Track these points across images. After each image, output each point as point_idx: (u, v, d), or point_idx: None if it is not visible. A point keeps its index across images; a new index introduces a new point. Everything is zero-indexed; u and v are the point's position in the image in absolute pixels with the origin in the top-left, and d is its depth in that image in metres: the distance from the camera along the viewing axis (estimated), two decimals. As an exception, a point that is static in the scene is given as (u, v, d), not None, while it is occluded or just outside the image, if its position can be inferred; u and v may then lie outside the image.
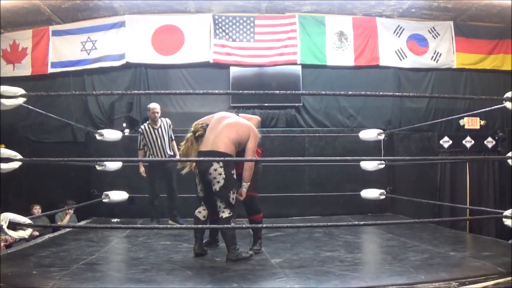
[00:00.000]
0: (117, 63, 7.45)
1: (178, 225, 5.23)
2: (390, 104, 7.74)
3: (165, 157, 5.49)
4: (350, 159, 6.21)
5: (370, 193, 5.91)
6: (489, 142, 7.75)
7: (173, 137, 5.64)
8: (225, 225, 3.53)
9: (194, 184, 3.84)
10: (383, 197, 5.83)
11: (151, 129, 5.49)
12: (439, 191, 7.49)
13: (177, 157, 5.45)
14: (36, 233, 5.51)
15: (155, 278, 2.90)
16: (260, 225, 3.87)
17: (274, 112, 7.51)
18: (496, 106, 3.81)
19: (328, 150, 6.85)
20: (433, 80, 7.93)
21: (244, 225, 3.91)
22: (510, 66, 7.81)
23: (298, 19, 7.68)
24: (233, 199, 3.65)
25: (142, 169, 5.61)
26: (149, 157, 5.50)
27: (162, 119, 5.59)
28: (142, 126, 5.57)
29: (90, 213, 6.39)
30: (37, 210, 6.19)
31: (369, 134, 5.87)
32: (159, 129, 5.50)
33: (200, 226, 3.75)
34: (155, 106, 5.54)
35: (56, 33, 7.49)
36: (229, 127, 3.71)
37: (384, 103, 7.71)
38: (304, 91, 7.79)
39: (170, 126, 5.62)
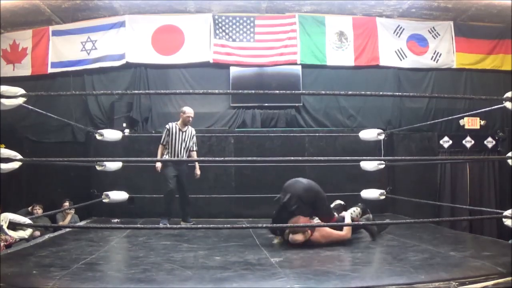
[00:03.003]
0: (117, 63, 7.47)
1: (179, 225, 5.24)
2: (390, 104, 7.75)
3: (182, 164, 5.55)
4: (350, 159, 6.21)
5: (370, 193, 5.91)
6: (489, 142, 7.75)
7: (195, 148, 5.69)
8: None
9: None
10: (383, 197, 5.84)
11: (177, 130, 5.52)
12: (439, 191, 7.49)
13: (197, 167, 5.64)
14: (37, 233, 5.51)
15: (155, 278, 2.89)
16: (260, 225, 3.87)
17: (274, 112, 7.52)
18: (496, 106, 3.81)
19: (328, 150, 6.85)
20: (433, 80, 7.94)
21: (244, 225, 3.91)
22: (510, 66, 7.81)
23: (298, 19, 7.69)
24: None
25: (158, 165, 5.55)
26: (166, 155, 5.54)
27: (189, 126, 5.65)
28: (171, 124, 5.58)
29: (90, 213, 6.40)
30: (36, 210, 6.18)
31: (369, 134, 5.87)
32: (184, 133, 5.56)
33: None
34: (191, 111, 5.61)
35: (56, 33, 7.50)
36: None
37: (384, 103, 7.72)
38: (304, 91, 7.80)
39: (194, 136, 5.68)
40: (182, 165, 5.57)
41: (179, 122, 5.60)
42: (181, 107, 7.41)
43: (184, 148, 5.56)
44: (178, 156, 5.52)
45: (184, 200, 5.63)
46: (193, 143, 5.67)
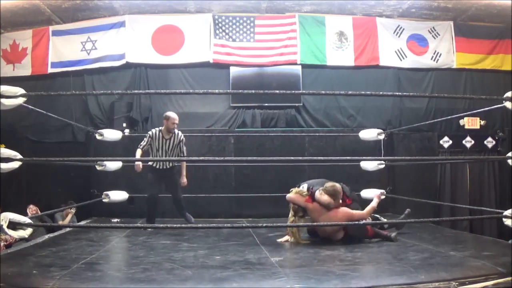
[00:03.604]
0: (117, 63, 7.46)
1: (179, 225, 5.18)
2: (390, 104, 7.75)
3: (166, 167, 5.26)
4: (350, 159, 6.21)
5: (370, 193, 5.90)
6: (489, 142, 7.75)
7: (185, 153, 5.36)
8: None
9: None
10: (383, 197, 5.83)
11: (161, 138, 5.19)
12: (439, 191, 7.49)
13: (183, 175, 5.32)
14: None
15: (155, 278, 2.89)
16: (260, 224, 3.87)
17: (274, 112, 7.52)
18: (496, 106, 3.82)
19: (328, 150, 6.85)
20: (433, 80, 7.93)
21: (244, 225, 3.92)
22: (510, 66, 7.80)
23: (298, 19, 7.69)
24: None
25: (139, 166, 5.21)
26: (153, 164, 5.27)
27: (176, 131, 5.27)
28: (154, 131, 5.25)
29: (90, 213, 6.40)
30: (31, 210, 6.13)
31: (369, 134, 5.88)
32: (169, 141, 5.21)
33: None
34: (176, 117, 5.22)
35: (56, 33, 7.49)
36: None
37: (384, 103, 7.71)
38: (304, 91, 7.80)
39: (182, 140, 5.29)
40: (166, 172, 5.29)
41: (163, 129, 5.22)
42: (181, 107, 7.47)
43: (169, 156, 5.24)
44: (162, 164, 5.23)
45: (178, 202, 5.42)
46: (180, 150, 5.29)
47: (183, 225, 5.18)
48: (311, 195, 4.22)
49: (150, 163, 5.27)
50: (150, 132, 5.27)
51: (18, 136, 7.15)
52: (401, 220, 4.80)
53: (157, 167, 5.25)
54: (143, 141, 5.24)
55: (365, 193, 5.95)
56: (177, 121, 5.24)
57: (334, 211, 4.16)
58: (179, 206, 5.46)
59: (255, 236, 4.53)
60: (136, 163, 5.22)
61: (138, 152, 5.22)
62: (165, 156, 5.21)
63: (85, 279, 2.84)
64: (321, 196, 4.13)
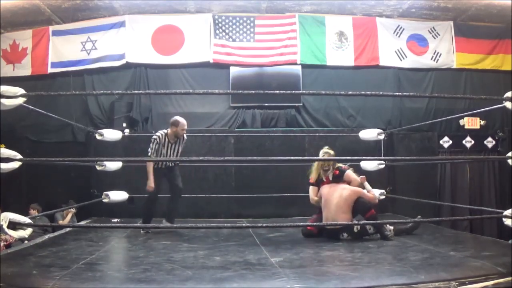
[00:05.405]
0: (117, 63, 7.47)
1: (178, 225, 5.18)
2: (390, 104, 7.75)
3: (169, 165, 5.04)
4: (350, 159, 6.21)
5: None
6: (489, 142, 7.75)
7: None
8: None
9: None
10: (383, 197, 5.84)
11: (167, 143, 4.92)
12: (439, 191, 7.50)
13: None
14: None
15: (155, 278, 2.89)
16: (260, 225, 3.88)
17: (274, 112, 7.53)
18: (496, 106, 3.82)
19: (328, 150, 6.85)
20: (433, 80, 7.94)
21: (244, 225, 3.92)
22: (510, 66, 7.81)
23: (298, 19, 7.69)
24: None
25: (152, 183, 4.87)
26: (156, 165, 4.94)
27: None
28: (160, 135, 4.90)
29: (90, 213, 6.39)
30: (33, 211, 6.13)
31: (369, 134, 5.88)
32: (174, 144, 4.99)
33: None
34: (185, 122, 4.96)
35: (56, 33, 7.50)
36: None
37: (384, 103, 7.72)
38: (304, 91, 7.80)
39: (185, 141, 5.12)
40: (168, 169, 5.06)
41: (169, 133, 4.95)
42: (181, 107, 7.46)
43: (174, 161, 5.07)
44: (165, 165, 5.01)
45: (175, 202, 5.14)
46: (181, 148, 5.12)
47: (182, 225, 5.19)
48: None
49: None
50: (156, 138, 4.89)
51: (18, 136, 7.16)
52: (408, 225, 4.77)
53: (161, 166, 5.00)
54: (151, 149, 4.88)
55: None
56: (186, 127, 4.98)
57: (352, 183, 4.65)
58: (175, 202, 5.16)
59: (255, 236, 4.52)
60: (150, 184, 4.86)
61: (151, 166, 4.85)
62: (174, 156, 5.00)
63: (85, 279, 2.84)
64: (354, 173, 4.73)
